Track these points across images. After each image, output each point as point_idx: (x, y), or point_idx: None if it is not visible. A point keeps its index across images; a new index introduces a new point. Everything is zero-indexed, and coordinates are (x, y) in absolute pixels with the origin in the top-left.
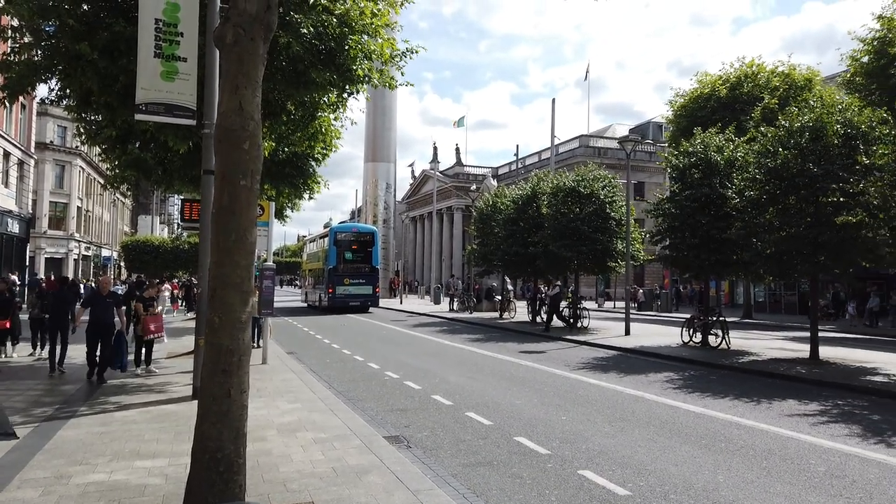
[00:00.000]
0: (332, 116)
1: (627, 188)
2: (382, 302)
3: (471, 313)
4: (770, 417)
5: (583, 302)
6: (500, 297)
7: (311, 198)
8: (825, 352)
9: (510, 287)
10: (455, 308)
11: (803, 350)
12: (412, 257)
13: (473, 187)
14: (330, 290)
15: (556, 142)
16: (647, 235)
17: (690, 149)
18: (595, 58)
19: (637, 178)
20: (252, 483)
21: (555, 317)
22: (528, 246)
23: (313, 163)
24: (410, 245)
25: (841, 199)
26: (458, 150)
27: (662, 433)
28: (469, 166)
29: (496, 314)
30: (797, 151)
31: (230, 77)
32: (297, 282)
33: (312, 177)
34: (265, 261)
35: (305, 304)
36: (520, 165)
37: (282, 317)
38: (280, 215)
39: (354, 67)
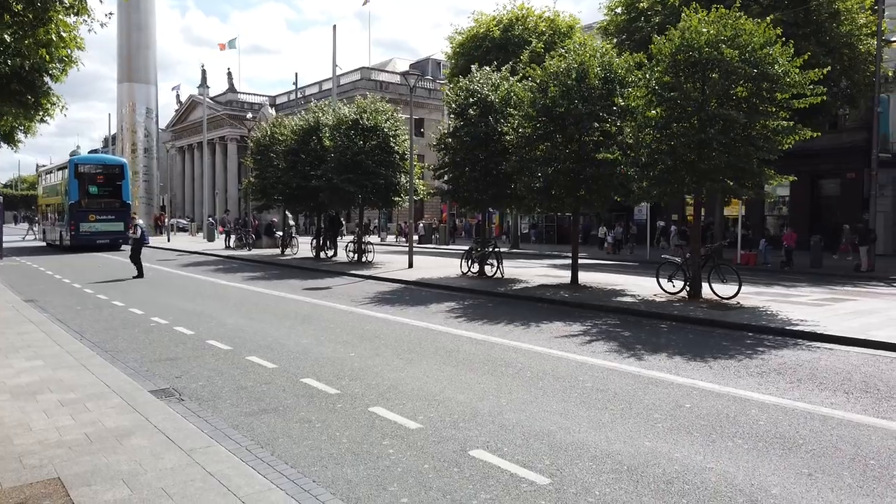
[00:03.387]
0: (70, 20)
1: (410, 122)
2: None
3: (249, 250)
4: (542, 340)
5: (368, 236)
6: (281, 233)
7: (42, 120)
8: (583, 277)
9: (292, 222)
10: (231, 245)
11: (565, 276)
12: (181, 191)
13: (249, 116)
14: (72, 228)
15: (339, 72)
16: (431, 169)
17: (470, 86)
18: None
19: (417, 115)
20: None
21: (340, 250)
22: (310, 179)
23: (48, 78)
24: (179, 178)
25: (600, 138)
26: (230, 75)
27: (449, 362)
28: (244, 93)
29: (277, 251)
30: (564, 90)
31: None
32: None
33: (47, 96)
34: None
35: (44, 243)
36: (299, 95)
37: (15, 257)
38: (9, 139)
39: None
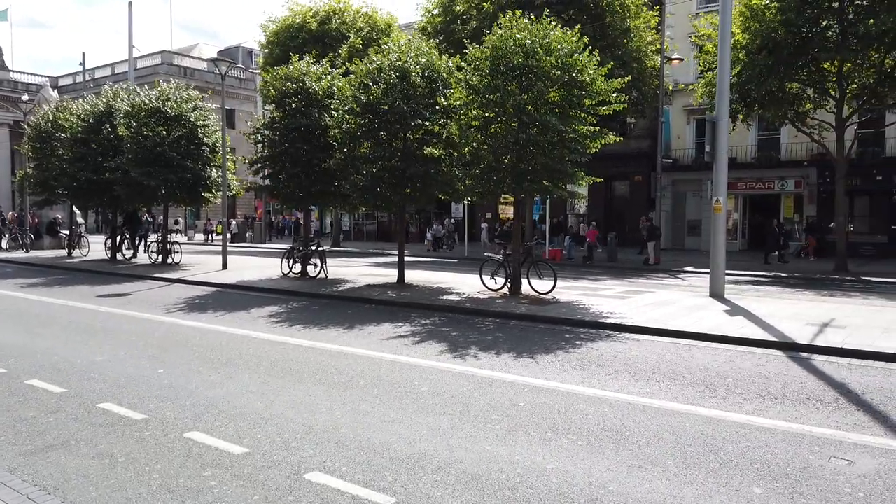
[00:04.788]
0: None
1: (223, 112)
2: None
3: (27, 252)
4: (373, 343)
5: (173, 234)
6: (67, 233)
7: None
8: (409, 275)
9: (80, 220)
10: (5, 247)
11: (391, 275)
12: None
13: (25, 98)
14: None
15: (136, 53)
16: (246, 162)
17: (292, 73)
18: None
19: (228, 104)
20: None
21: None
22: (102, 171)
23: None
24: None
25: (425, 136)
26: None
27: (274, 374)
28: (18, 72)
29: (63, 252)
30: (387, 87)
31: None
32: None
33: None
34: None
35: None
36: (88, 77)
37: None
38: None
39: None
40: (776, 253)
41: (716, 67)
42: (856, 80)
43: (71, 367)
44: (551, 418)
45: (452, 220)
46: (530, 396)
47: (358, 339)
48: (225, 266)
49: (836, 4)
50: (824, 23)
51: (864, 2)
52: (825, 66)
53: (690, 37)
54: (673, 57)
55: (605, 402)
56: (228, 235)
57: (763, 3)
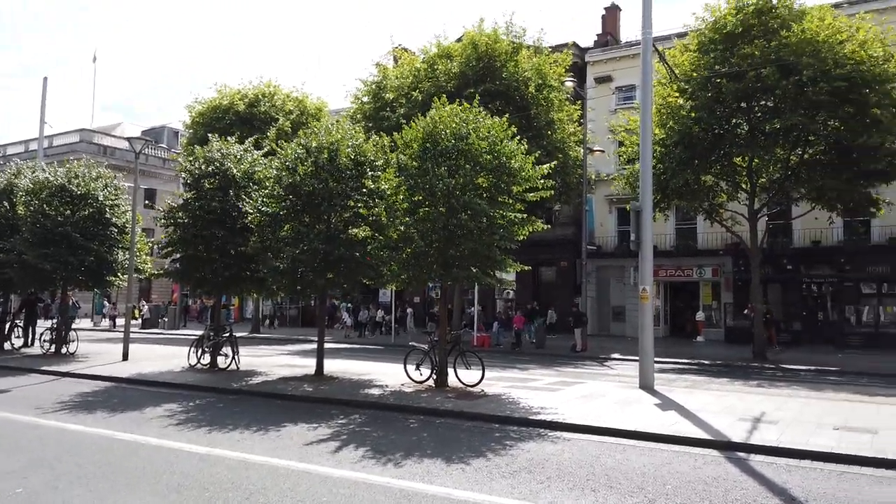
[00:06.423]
0: None
1: (135, 191)
2: None
3: None
4: (282, 449)
5: (74, 321)
6: None
7: None
8: (329, 365)
9: None
10: None
11: (309, 365)
12: None
13: None
14: None
15: (50, 131)
16: (157, 247)
17: (208, 155)
18: (106, 42)
19: (150, 185)
20: None
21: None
22: None
23: None
24: None
25: (350, 218)
26: None
27: (157, 492)
28: None
29: None
30: (315, 169)
31: None
32: None
33: None
34: None
35: None
36: None
37: None
38: None
39: None
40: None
41: (636, 159)
42: (764, 175)
43: None
44: None
45: (373, 309)
46: None
47: (264, 444)
48: (126, 357)
49: (744, 105)
50: (735, 121)
51: (770, 103)
52: (737, 160)
53: (610, 130)
54: (595, 148)
55: None
56: (138, 321)
57: (678, 102)
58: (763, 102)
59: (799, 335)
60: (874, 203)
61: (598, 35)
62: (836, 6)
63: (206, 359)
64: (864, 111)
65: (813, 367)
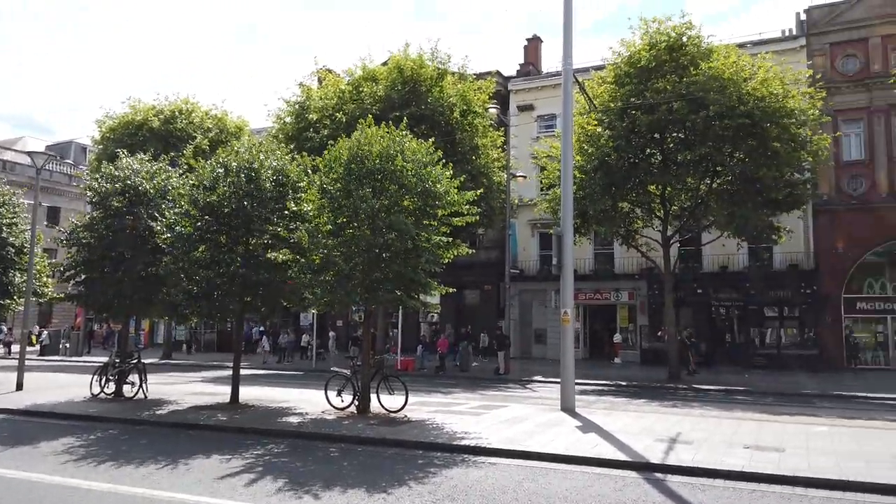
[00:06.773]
0: None
1: (34, 209)
2: None
3: None
4: (191, 483)
5: None
6: None
7: None
8: (246, 392)
9: None
10: None
11: (224, 393)
12: None
13: None
14: None
15: None
16: (59, 270)
17: (116, 172)
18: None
19: (54, 202)
20: None
21: None
22: None
23: None
24: None
25: (270, 241)
26: None
27: None
28: None
29: None
30: (233, 190)
31: None
32: None
33: None
34: None
35: None
36: None
37: None
38: None
39: None
40: (688, 367)
41: (557, 185)
42: (676, 203)
43: None
44: None
45: (291, 333)
46: None
47: (172, 479)
48: (20, 386)
49: (657, 136)
50: (648, 150)
51: (681, 135)
52: (651, 188)
53: (532, 157)
54: (517, 174)
55: None
56: (35, 347)
57: (597, 130)
58: (675, 134)
59: (709, 356)
60: (776, 231)
61: (520, 65)
62: (741, 45)
63: (111, 387)
64: (765, 144)
65: (723, 388)
